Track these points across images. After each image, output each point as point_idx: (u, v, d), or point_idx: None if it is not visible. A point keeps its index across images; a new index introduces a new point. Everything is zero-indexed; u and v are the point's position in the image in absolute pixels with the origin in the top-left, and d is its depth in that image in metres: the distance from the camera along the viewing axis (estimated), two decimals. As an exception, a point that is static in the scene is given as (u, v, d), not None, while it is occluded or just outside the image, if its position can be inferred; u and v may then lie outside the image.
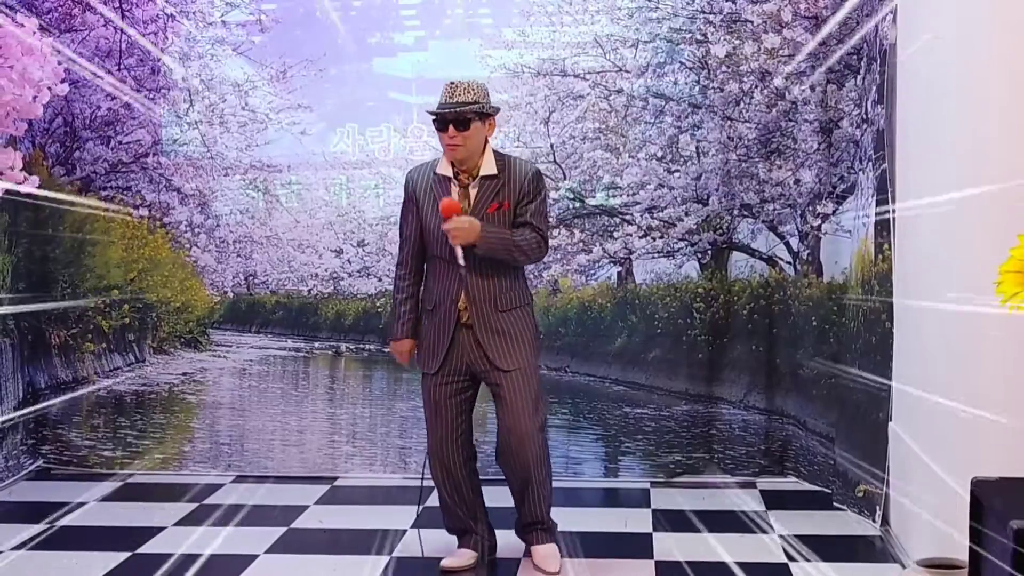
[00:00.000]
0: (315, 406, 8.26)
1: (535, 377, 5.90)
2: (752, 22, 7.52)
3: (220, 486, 7.72)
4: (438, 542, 6.23)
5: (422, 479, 6.04)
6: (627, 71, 7.82)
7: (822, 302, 7.42)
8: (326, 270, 8.30)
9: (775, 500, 7.24)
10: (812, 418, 7.51)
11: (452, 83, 5.74)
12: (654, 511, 7.05)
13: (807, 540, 6.39)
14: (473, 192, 5.77)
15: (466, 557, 5.99)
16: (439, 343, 5.84)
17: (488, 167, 5.78)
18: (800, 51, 7.44)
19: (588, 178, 7.85)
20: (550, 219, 6.05)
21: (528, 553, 6.07)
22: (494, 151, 5.85)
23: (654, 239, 7.85)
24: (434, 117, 5.74)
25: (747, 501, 7.25)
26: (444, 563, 5.95)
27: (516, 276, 5.89)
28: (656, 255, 7.88)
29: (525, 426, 5.82)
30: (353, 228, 8.22)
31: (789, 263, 7.69)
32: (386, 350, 8.26)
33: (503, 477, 6.05)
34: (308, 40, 8.05)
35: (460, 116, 5.65)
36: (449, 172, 5.80)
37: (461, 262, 5.64)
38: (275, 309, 8.43)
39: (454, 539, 6.10)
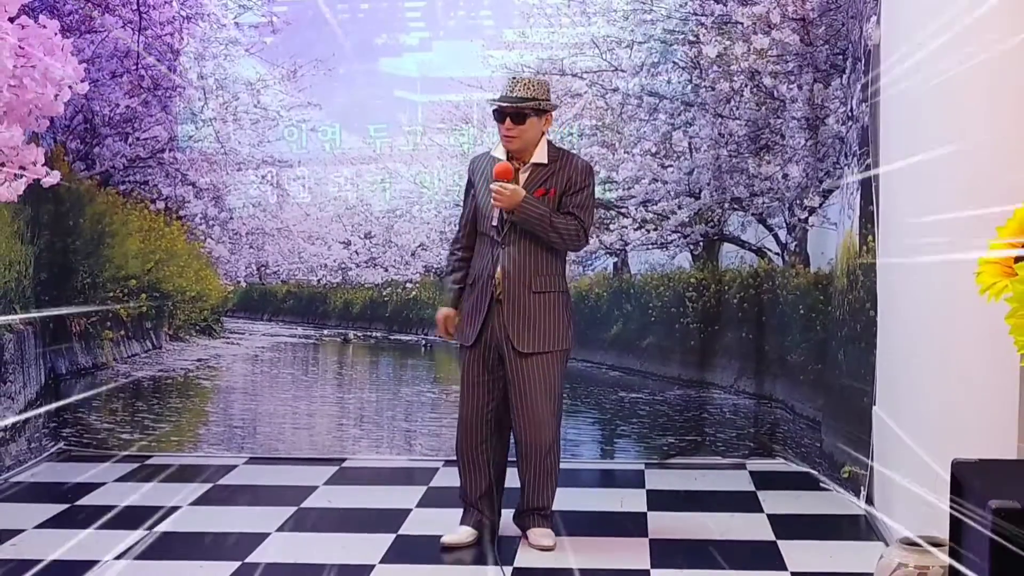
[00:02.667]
0: (324, 391, 8.26)
1: (557, 366, 5.88)
2: (742, 24, 7.51)
3: (233, 467, 7.72)
4: (440, 520, 6.24)
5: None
6: (623, 70, 7.80)
7: (809, 291, 7.42)
8: (335, 261, 8.30)
9: (764, 481, 7.24)
10: (799, 402, 7.51)
11: (514, 78, 5.84)
12: (648, 491, 7.05)
13: (795, 519, 6.40)
14: (523, 177, 5.81)
15: (465, 534, 5.98)
16: (476, 317, 5.85)
17: (540, 156, 5.83)
18: (788, 51, 7.43)
19: (585, 173, 7.84)
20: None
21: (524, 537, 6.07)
22: (550, 143, 5.92)
23: (648, 231, 7.84)
24: (494, 108, 5.81)
25: (737, 482, 7.25)
26: (444, 539, 5.95)
27: (554, 262, 5.89)
28: (650, 246, 7.88)
29: (540, 412, 5.82)
30: (360, 221, 8.22)
31: (777, 254, 7.68)
32: (392, 337, 8.28)
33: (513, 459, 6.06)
34: (317, 41, 8.04)
35: (518, 111, 5.72)
36: (503, 156, 5.84)
37: (494, 222, 5.72)
38: (286, 298, 8.42)
39: (456, 518, 6.10)
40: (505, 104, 5.74)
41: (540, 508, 6.01)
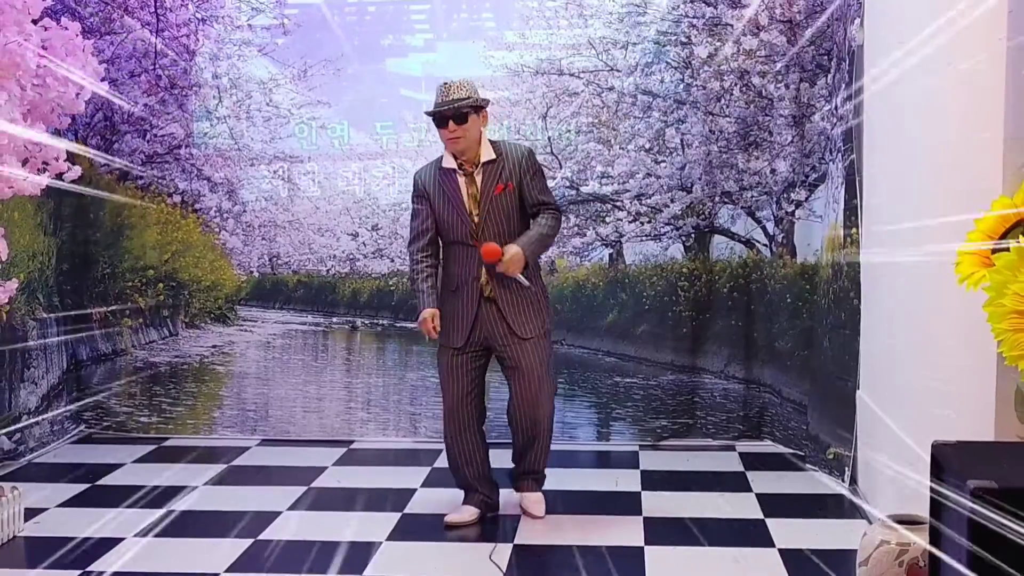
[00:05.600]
0: (333, 376, 8.26)
1: (548, 343, 6.00)
2: (732, 25, 7.50)
3: (247, 449, 7.73)
4: (444, 499, 6.25)
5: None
6: (618, 70, 7.80)
7: (796, 281, 7.42)
8: (343, 252, 8.29)
9: (753, 462, 7.24)
10: (787, 387, 7.51)
11: (446, 83, 5.79)
12: (642, 472, 7.05)
13: (782, 498, 6.40)
14: (479, 178, 5.82)
15: (468, 513, 6.03)
16: (464, 320, 5.87)
17: (487, 154, 5.84)
18: (776, 52, 7.43)
19: (582, 168, 7.84)
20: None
21: (519, 501, 6.18)
22: (489, 140, 5.91)
23: (642, 223, 7.84)
24: (433, 115, 5.79)
25: (727, 463, 7.25)
26: (448, 518, 5.99)
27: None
28: (644, 238, 7.88)
29: (539, 390, 5.92)
30: (368, 214, 8.21)
31: (765, 245, 7.68)
32: (398, 324, 8.28)
33: (507, 440, 6.13)
34: (327, 42, 8.03)
35: (458, 111, 5.71)
36: (453, 164, 5.85)
37: (525, 283, 5.77)
38: (297, 287, 8.42)
39: (459, 498, 6.13)
40: (444, 108, 5.72)
41: (536, 472, 6.16)
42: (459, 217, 5.79)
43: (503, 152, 5.87)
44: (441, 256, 5.99)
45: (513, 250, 5.67)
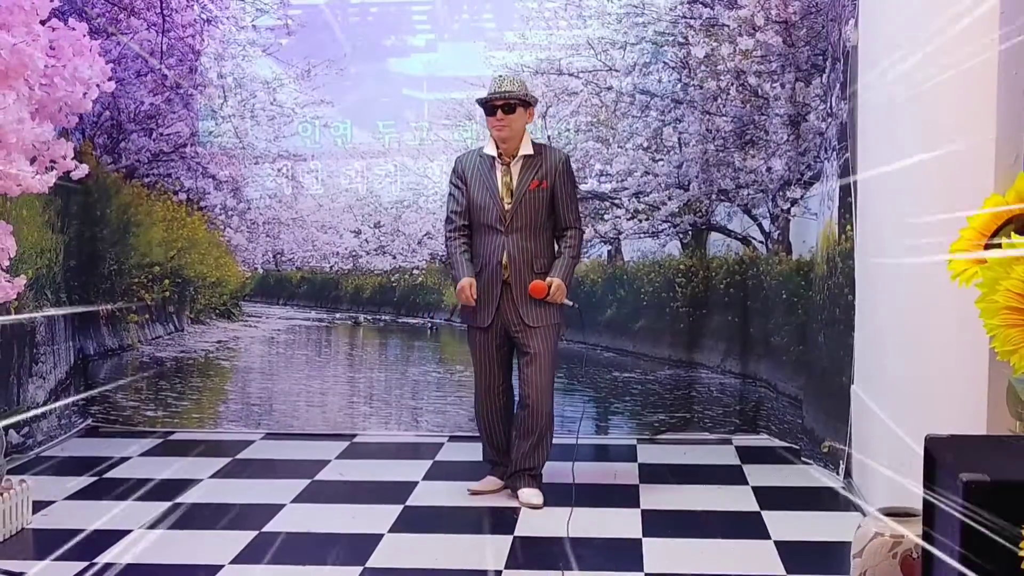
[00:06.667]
0: (336, 371, 8.25)
1: (555, 336, 6.21)
2: (728, 26, 7.50)
3: (251, 442, 7.73)
4: (445, 492, 6.26)
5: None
6: (616, 70, 7.79)
7: (791, 277, 7.42)
8: (346, 249, 8.29)
9: (749, 455, 7.24)
10: (782, 381, 7.51)
11: (500, 76, 6.17)
12: (640, 465, 7.06)
13: (778, 491, 6.40)
14: (515, 169, 6.13)
15: (491, 483, 6.34)
16: (490, 300, 6.13)
17: (526, 148, 6.15)
18: (771, 52, 7.42)
19: (581, 166, 7.83)
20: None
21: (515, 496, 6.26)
22: (531, 139, 6.20)
23: (640, 221, 7.84)
24: (484, 103, 6.10)
25: (724, 456, 7.26)
26: (472, 487, 6.29)
27: (550, 246, 6.23)
28: (642, 235, 7.88)
29: (546, 379, 6.14)
30: (370, 211, 8.21)
31: (761, 242, 7.68)
32: (400, 320, 8.28)
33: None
34: (330, 42, 8.03)
35: (507, 103, 6.02)
36: (494, 152, 6.17)
37: (570, 304, 6.20)
38: (300, 284, 8.42)
39: (459, 490, 6.24)
40: (495, 97, 6.02)
41: (531, 468, 6.25)
42: (492, 201, 6.09)
43: (543, 152, 6.18)
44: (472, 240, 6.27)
45: (556, 282, 6.04)
